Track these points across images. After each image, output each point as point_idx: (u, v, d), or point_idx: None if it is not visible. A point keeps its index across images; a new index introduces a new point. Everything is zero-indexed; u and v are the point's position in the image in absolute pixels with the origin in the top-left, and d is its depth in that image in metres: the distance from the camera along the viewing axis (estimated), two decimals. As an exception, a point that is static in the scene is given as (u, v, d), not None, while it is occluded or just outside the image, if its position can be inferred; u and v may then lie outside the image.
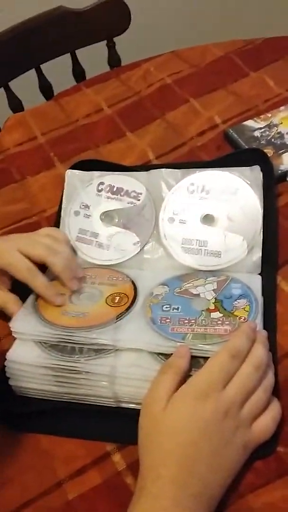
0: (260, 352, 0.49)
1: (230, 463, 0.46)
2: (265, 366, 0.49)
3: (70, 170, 0.73)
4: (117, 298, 0.59)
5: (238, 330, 0.51)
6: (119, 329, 0.55)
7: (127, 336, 0.54)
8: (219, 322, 0.54)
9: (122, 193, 0.70)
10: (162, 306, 0.57)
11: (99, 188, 0.71)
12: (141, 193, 0.69)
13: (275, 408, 0.49)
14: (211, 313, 0.55)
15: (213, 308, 0.56)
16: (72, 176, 0.73)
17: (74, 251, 0.66)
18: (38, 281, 0.59)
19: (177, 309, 0.56)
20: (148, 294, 0.59)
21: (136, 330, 0.55)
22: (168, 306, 0.57)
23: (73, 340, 0.54)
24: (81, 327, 0.55)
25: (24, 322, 0.57)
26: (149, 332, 0.54)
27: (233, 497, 0.46)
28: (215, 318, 0.54)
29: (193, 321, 0.54)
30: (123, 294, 0.59)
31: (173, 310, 0.56)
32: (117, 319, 0.56)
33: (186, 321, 0.54)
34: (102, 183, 0.71)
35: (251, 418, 0.47)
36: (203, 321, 0.54)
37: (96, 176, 0.72)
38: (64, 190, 0.72)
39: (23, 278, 0.59)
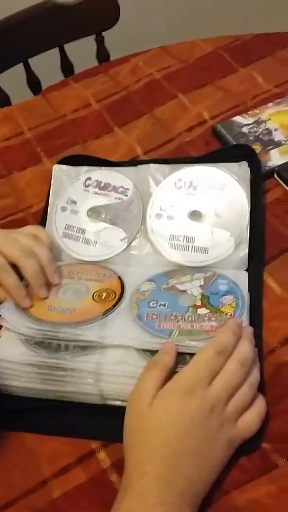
0: (245, 348, 0.49)
1: (215, 459, 0.45)
2: (250, 362, 0.49)
3: (57, 165, 0.73)
4: (104, 294, 0.59)
5: (224, 326, 0.51)
6: (105, 326, 0.54)
7: (113, 333, 0.54)
8: (205, 318, 0.54)
9: (109, 189, 0.69)
10: (149, 302, 0.57)
11: (87, 184, 0.70)
12: (128, 189, 0.69)
13: (260, 404, 0.49)
14: (198, 309, 0.55)
15: (200, 304, 0.56)
16: (59, 171, 0.72)
17: (57, 251, 0.65)
18: (8, 280, 0.57)
19: (164, 305, 0.56)
20: (134, 291, 0.59)
21: (123, 327, 0.54)
22: (154, 302, 0.57)
23: (58, 336, 0.53)
24: (67, 323, 0.55)
25: (10, 313, 0.56)
26: (135, 328, 0.54)
27: (217, 494, 0.46)
28: (201, 314, 0.54)
29: (179, 317, 0.54)
30: (110, 290, 0.59)
31: (159, 306, 0.56)
32: (103, 315, 0.56)
33: (173, 317, 0.54)
34: (89, 179, 0.70)
35: (236, 414, 0.47)
36: (190, 317, 0.54)
37: (84, 171, 0.71)
38: (51, 186, 0.71)
39: None
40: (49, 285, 0.60)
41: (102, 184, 0.70)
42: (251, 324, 0.54)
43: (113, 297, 0.58)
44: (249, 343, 0.50)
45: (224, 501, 0.46)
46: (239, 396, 0.47)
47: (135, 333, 0.53)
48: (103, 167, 0.72)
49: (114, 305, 0.57)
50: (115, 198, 0.68)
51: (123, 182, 0.69)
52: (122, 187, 0.69)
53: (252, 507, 0.45)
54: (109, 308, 0.57)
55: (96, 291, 0.59)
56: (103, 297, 0.58)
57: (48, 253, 0.60)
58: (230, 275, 0.59)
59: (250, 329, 0.52)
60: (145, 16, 1.74)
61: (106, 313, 0.56)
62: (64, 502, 0.48)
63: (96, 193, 0.69)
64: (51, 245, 0.63)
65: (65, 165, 0.72)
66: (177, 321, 0.54)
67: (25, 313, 0.57)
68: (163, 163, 0.70)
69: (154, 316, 0.55)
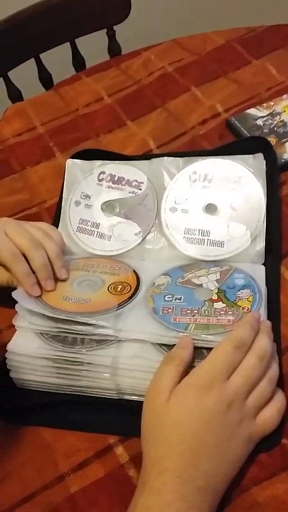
0: (264, 342, 0.48)
1: (234, 455, 0.45)
2: (269, 356, 0.48)
3: (70, 159, 0.72)
4: (119, 286, 0.58)
5: (241, 321, 0.51)
6: (120, 317, 0.54)
7: (128, 325, 0.53)
8: (222, 312, 0.53)
9: (123, 183, 0.69)
10: (164, 296, 0.56)
11: (100, 178, 0.70)
12: (142, 183, 0.68)
13: (279, 400, 0.48)
14: (214, 303, 0.54)
15: (216, 298, 0.55)
16: (73, 165, 0.72)
17: (72, 246, 0.65)
18: (18, 267, 0.56)
19: (180, 299, 0.55)
20: (150, 284, 0.58)
21: (138, 320, 0.54)
22: (170, 296, 0.56)
23: (73, 329, 0.53)
24: (82, 312, 0.54)
25: (24, 298, 0.56)
26: (150, 322, 0.53)
27: (237, 490, 0.45)
28: (218, 309, 0.53)
29: (195, 311, 0.54)
30: (125, 283, 0.58)
31: (175, 300, 0.55)
32: (118, 306, 0.55)
33: (189, 311, 0.54)
34: (103, 173, 0.70)
35: (256, 410, 0.46)
36: (206, 312, 0.53)
37: (97, 165, 0.71)
38: (65, 180, 0.71)
39: (4, 261, 0.57)
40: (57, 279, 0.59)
41: (115, 178, 0.69)
42: (268, 318, 0.53)
43: (129, 290, 0.57)
44: (267, 337, 0.49)
45: (244, 498, 0.45)
46: (258, 391, 0.47)
47: (151, 327, 0.53)
48: (117, 161, 0.71)
49: (130, 298, 0.56)
50: (129, 192, 0.68)
51: (136, 176, 0.69)
52: (136, 181, 0.68)
53: (272, 503, 0.45)
54: (124, 300, 0.56)
55: (112, 283, 0.59)
56: (118, 290, 0.58)
57: (56, 247, 0.60)
58: (247, 269, 0.59)
59: (268, 323, 0.51)
60: (156, 9, 1.73)
61: (121, 304, 0.55)
62: (82, 497, 0.47)
63: (109, 187, 0.69)
64: (63, 244, 0.62)
65: (78, 160, 0.72)
66: (193, 315, 0.53)
67: (39, 301, 0.56)
68: (177, 157, 0.69)
69: (170, 310, 0.54)
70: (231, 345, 0.47)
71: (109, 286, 0.58)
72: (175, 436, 0.44)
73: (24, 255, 0.57)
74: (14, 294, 0.56)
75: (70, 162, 0.72)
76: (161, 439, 0.45)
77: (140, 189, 0.68)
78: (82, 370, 0.52)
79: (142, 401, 0.48)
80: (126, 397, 0.52)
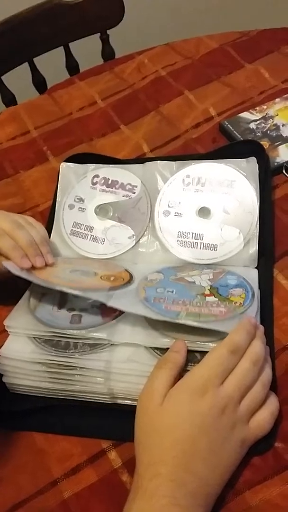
0: (257, 347, 0.48)
1: (227, 459, 0.45)
2: (262, 361, 0.48)
3: (64, 163, 0.72)
4: (112, 277, 0.58)
5: (238, 325, 0.50)
6: (112, 297, 0.54)
7: (120, 306, 0.52)
8: (214, 305, 0.53)
9: (117, 186, 0.69)
10: (157, 288, 0.56)
11: (94, 181, 0.70)
12: (136, 186, 0.68)
13: (273, 403, 0.48)
14: (206, 297, 0.54)
15: (209, 293, 0.55)
16: (67, 169, 0.72)
17: (65, 249, 0.66)
18: (3, 242, 0.56)
19: (172, 292, 0.55)
20: (142, 279, 0.58)
21: (129, 303, 0.53)
22: (162, 289, 0.56)
23: (66, 333, 0.53)
24: (75, 287, 0.54)
25: (15, 267, 0.56)
26: (142, 307, 0.52)
27: (230, 494, 0.45)
28: (210, 301, 0.53)
29: (187, 302, 0.53)
30: (118, 276, 0.58)
31: (167, 292, 0.55)
32: (110, 289, 0.55)
33: (180, 302, 0.53)
34: (97, 176, 0.70)
35: (249, 414, 0.46)
36: (198, 303, 0.53)
37: (91, 169, 0.71)
38: (59, 183, 0.71)
39: None
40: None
41: (109, 182, 0.69)
42: (261, 321, 0.53)
43: (122, 281, 0.57)
44: (261, 342, 0.49)
45: (237, 502, 0.45)
46: (251, 395, 0.47)
47: (142, 311, 0.52)
48: (110, 165, 0.71)
49: (122, 286, 0.56)
50: (123, 196, 0.68)
51: (130, 179, 0.69)
52: (129, 184, 0.68)
53: (265, 507, 0.45)
54: (117, 286, 0.56)
55: (104, 274, 0.59)
56: (111, 280, 0.58)
57: (40, 235, 0.60)
58: (240, 272, 0.59)
59: (261, 328, 0.51)
60: (150, 13, 1.74)
61: (113, 288, 0.55)
62: (75, 502, 0.47)
63: (103, 190, 0.69)
64: (46, 237, 0.62)
65: (72, 163, 0.72)
66: (185, 305, 0.53)
67: (31, 273, 0.56)
68: (170, 160, 0.69)
69: (161, 300, 0.54)
70: (226, 349, 0.47)
71: (101, 276, 0.58)
72: (168, 440, 0.44)
73: None
74: (5, 263, 0.56)
75: (64, 166, 0.72)
76: (154, 443, 0.45)
77: (134, 193, 0.68)
78: (75, 375, 0.52)
79: (136, 406, 0.47)
80: (119, 401, 0.52)
